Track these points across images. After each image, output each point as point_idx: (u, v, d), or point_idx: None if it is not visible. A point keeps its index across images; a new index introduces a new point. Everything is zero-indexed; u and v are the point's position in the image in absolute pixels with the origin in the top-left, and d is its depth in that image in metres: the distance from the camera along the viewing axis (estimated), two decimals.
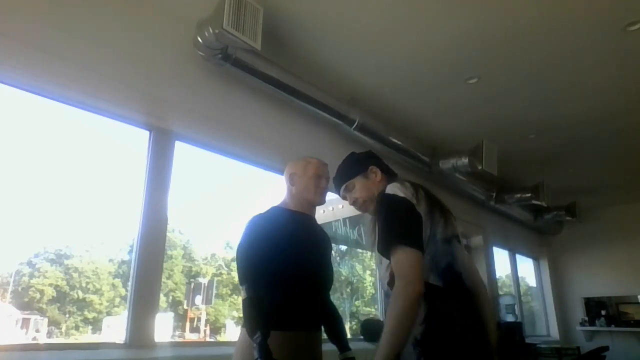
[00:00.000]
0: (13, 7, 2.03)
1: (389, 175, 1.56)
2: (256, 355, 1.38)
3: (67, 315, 3.45)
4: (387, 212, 1.32)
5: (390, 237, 1.27)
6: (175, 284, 4.50)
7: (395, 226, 1.28)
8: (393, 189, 1.36)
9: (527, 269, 7.20)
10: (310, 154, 1.93)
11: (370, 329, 3.61)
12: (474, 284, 1.39)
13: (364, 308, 4.85)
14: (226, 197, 3.82)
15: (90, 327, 3.44)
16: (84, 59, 2.22)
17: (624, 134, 4.33)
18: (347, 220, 4.23)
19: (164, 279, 2.45)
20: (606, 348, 5.45)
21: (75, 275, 3.56)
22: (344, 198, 1.63)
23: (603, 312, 6.53)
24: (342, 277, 4.64)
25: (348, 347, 1.78)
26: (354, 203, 1.58)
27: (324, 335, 1.78)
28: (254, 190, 3.53)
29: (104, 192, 2.70)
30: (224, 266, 4.90)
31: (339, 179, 1.62)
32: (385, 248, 1.27)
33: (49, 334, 3.14)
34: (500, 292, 5.91)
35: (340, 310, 1.93)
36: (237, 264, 1.60)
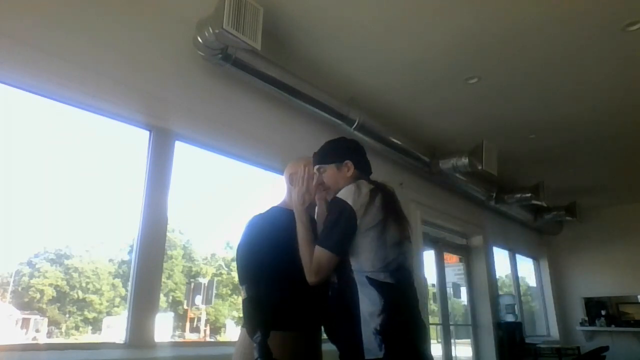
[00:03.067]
0: (13, 7, 2.03)
1: (362, 173, 1.67)
2: (256, 355, 1.38)
3: (67, 315, 3.45)
4: (332, 216, 1.52)
5: (322, 236, 1.51)
6: (175, 284, 4.50)
7: (329, 230, 1.49)
8: (347, 194, 1.51)
9: (527, 269, 7.21)
10: (310, 154, 1.93)
11: None
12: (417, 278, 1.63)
13: None
14: (226, 197, 3.81)
15: (90, 327, 3.44)
16: (84, 59, 2.21)
17: (624, 134, 4.33)
18: None
19: (164, 279, 2.45)
20: (606, 348, 5.45)
21: (75, 275, 3.56)
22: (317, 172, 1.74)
23: (603, 312, 6.53)
24: None
25: None
26: (320, 185, 1.71)
27: (324, 335, 1.78)
28: (254, 190, 3.53)
29: (104, 192, 2.70)
30: (224, 266, 4.90)
31: (318, 157, 1.74)
32: (318, 242, 1.52)
33: (49, 334, 3.15)
34: (500, 292, 5.91)
35: None
36: (237, 263, 1.60)
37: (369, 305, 1.41)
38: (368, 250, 1.46)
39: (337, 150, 1.72)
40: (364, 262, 1.45)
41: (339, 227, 1.48)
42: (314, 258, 1.48)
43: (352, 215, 1.47)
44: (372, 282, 1.43)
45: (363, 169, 1.70)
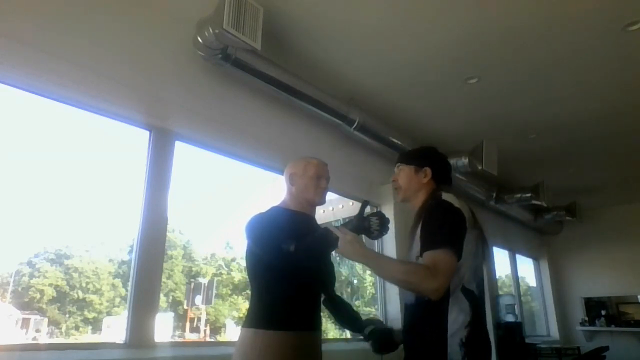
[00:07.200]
0: (13, 7, 2.03)
1: (442, 185, 1.64)
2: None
3: (67, 315, 3.46)
4: (443, 217, 1.42)
5: (439, 237, 1.35)
6: (175, 284, 4.51)
7: (447, 230, 1.38)
8: (451, 198, 1.49)
9: (527, 269, 7.20)
10: (310, 154, 1.93)
11: None
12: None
13: (364, 308, 4.85)
14: (226, 197, 3.82)
15: (90, 327, 3.45)
16: (84, 59, 2.21)
17: (624, 134, 4.33)
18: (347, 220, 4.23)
19: (164, 279, 2.46)
20: (606, 348, 5.45)
21: (75, 275, 3.56)
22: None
23: (603, 312, 6.53)
24: (342, 277, 4.64)
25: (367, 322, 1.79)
26: (393, 182, 1.71)
27: (324, 336, 1.78)
28: (254, 190, 3.53)
29: (104, 192, 2.70)
30: (224, 266, 4.90)
31: (401, 155, 1.75)
32: (430, 245, 1.35)
33: (49, 334, 3.15)
34: (500, 292, 5.91)
35: None
36: (261, 248, 1.59)
37: (458, 316, 1.37)
38: (470, 261, 1.42)
39: (421, 155, 1.72)
40: (465, 272, 1.40)
41: (453, 228, 1.39)
42: (431, 263, 1.30)
43: (463, 220, 1.43)
44: (466, 292, 1.39)
45: (442, 182, 1.65)
